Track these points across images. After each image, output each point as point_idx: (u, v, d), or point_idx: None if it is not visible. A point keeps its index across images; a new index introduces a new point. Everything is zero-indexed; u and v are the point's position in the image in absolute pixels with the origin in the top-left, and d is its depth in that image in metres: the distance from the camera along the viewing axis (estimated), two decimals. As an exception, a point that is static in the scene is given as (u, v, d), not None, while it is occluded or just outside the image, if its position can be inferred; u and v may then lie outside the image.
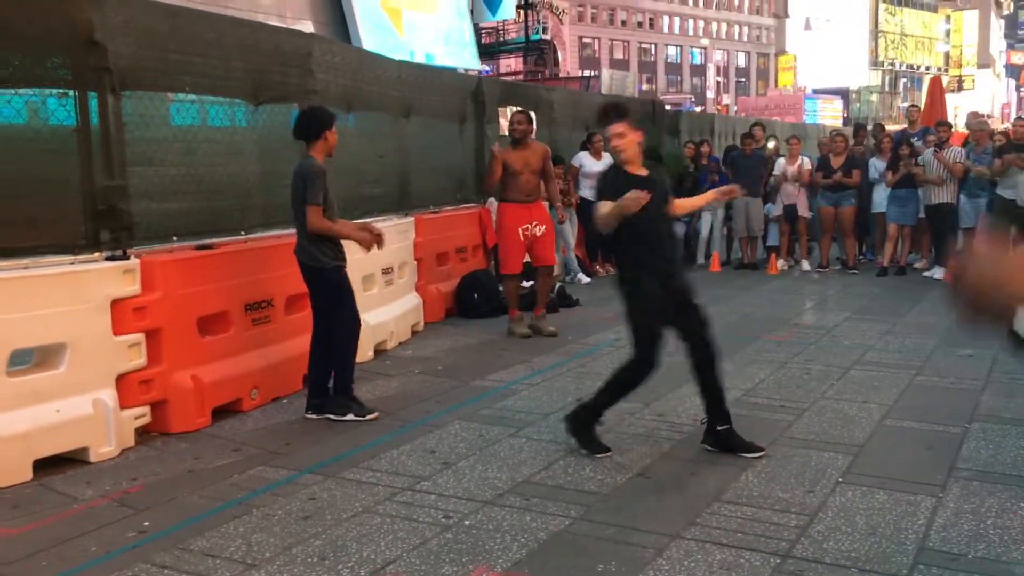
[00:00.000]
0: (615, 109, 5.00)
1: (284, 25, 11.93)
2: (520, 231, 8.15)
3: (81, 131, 5.25)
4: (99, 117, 5.29)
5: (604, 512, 4.20)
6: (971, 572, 3.55)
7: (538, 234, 8.23)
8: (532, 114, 8.95)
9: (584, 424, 5.04)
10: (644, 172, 4.97)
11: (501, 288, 9.52)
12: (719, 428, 4.98)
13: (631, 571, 3.58)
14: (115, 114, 5.35)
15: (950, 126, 12.38)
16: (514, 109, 11.28)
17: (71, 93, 5.22)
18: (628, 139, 4.89)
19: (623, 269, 5.03)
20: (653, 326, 4.85)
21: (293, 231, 6.46)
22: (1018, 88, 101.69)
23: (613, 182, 4.89)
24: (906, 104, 53.75)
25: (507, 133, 8.59)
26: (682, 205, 5.41)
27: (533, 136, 8.55)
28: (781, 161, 12.49)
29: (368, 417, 5.67)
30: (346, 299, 5.72)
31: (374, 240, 5.73)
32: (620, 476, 4.66)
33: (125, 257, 5.32)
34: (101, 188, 5.29)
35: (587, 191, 11.68)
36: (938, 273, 11.34)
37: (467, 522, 4.09)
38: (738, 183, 10.66)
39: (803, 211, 12.36)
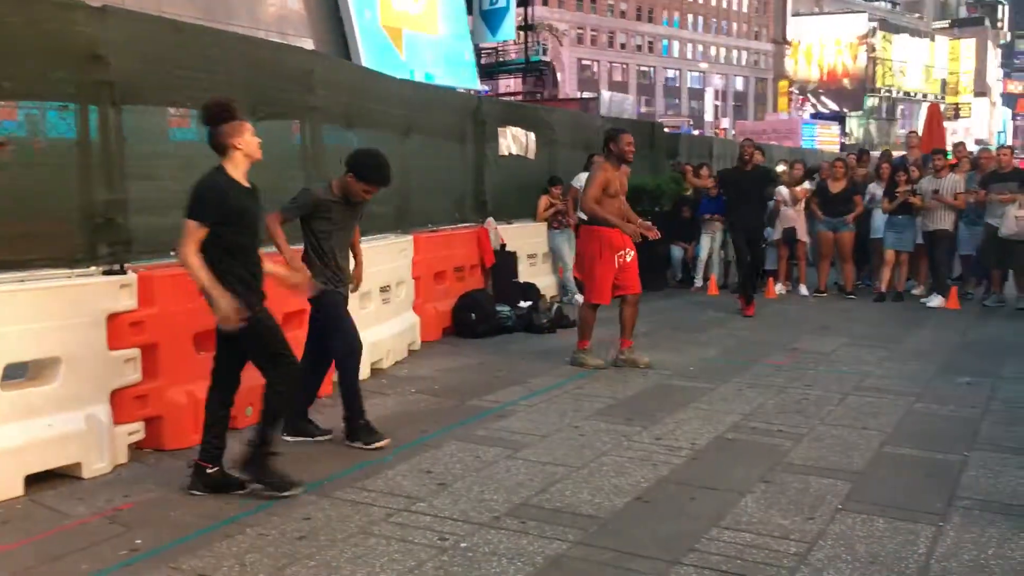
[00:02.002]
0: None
1: (285, 42, 11.95)
2: (616, 258, 7.65)
3: (81, 144, 5.24)
4: (99, 131, 5.28)
5: (602, 536, 4.16)
6: (973, 603, 3.51)
7: (628, 260, 7.77)
8: None
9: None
10: None
11: (505, 309, 9.47)
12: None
13: (629, 597, 3.54)
14: (115, 128, 5.33)
15: (946, 154, 12.40)
16: (514, 129, 11.35)
17: (71, 106, 5.21)
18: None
19: None
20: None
21: (291, 248, 6.43)
22: (1014, 116, 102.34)
23: None
24: (904, 131, 54.06)
25: (607, 151, 7.71)
26: None
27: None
28: (781, 188, 12.50)
29: (377, 445, 5.47)
30: (339, 324, 5.59)
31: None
32: (618, 500, 4.62)
33: (122, 271, 5.29)
34: (100, 202, 5.27)
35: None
36: (935, 300, 11.33)
37: (463, 544, 4.04)
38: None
39: (802, 235, 12.37)
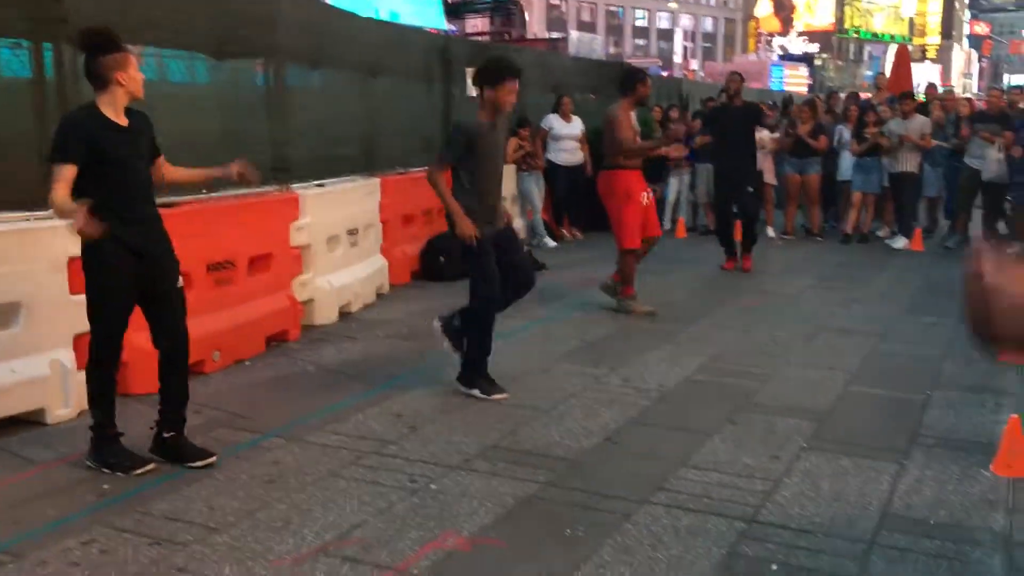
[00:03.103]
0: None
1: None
2: (641, 202, 7.51)
3: (36, 83, 5.08)
4: (55, 69, 5.12)
5: (572, 477, 4.19)
6: (934, 537, 3.59)
7: (649, 202, 7.69)
8: None
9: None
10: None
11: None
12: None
13: (599, 535, 3.58)
14: (71, 66, 5.17)
15: (913, 96, 12.42)
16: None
17: (25, 44, 5.04)
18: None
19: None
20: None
21: (256, 191, 6.32)
22: (980, 59, 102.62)
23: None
24: (871, 73, 54.01)
25: (621, 91, 7.52)
26: None
27: None
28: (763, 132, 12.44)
29: (494, 397, 5.30)
30: (478, 271, 5.27)
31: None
32: (588, 441, 4.65)
33: (82, 215, 5.17)
34: (56, 142, 5.12)
35: (555, 154, 11.60)
36: (900, 242, 11.44)
37: (434, 486, 4.05)
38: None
39: (769, 178, 12.38)
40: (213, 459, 4.29)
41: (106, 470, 4.17)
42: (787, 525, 3.69)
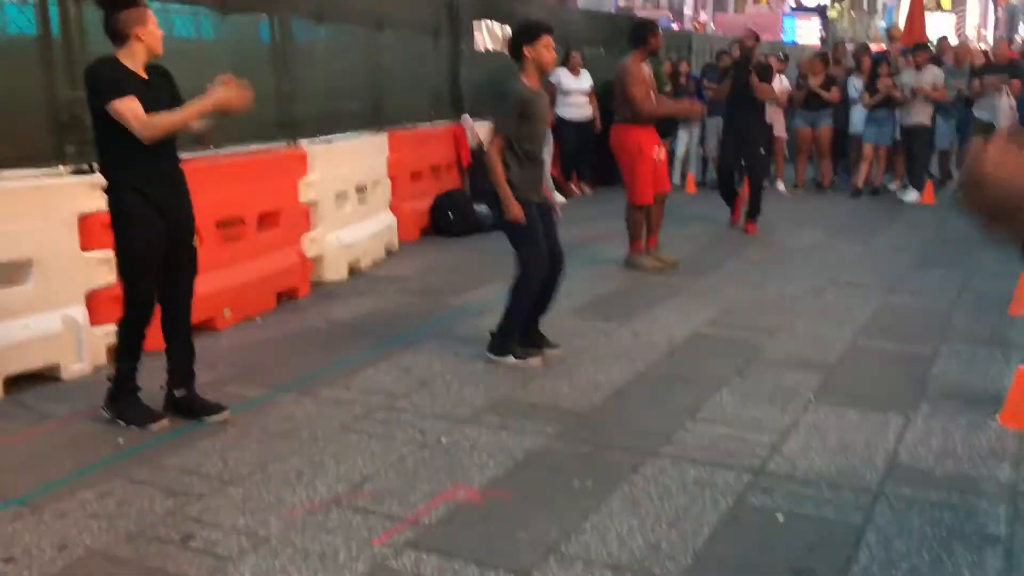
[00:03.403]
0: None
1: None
2: (652, 157, 7.51)
3: (42, 40, 5.06)
4: (60, 25, 5.10)
5: (580, 430, 4.23)
6: (939, 488, 3.61)
7: (661, 158, 7.69)
8: None
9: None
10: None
11: (482, 208, 9.33)
12: None
13: (606, 487, 3.62)
14: (76, 22, 5.15)
15: (927, 47, 12.26)
16: (489, 22, 11.09)
17: (31, 0, 5.01)
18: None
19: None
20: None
21: (264, 146, 6.31)
22: (996, 8, 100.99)
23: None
24: (884, 24, 53.16)
25: (632, 44, 7.46)
26: None
27: None
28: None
29: (530, 362, 5.16)
30: (527, 240, 5.14)
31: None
32: (596, 395, 4.68)
33: (92, 171, 5.18)
34: (64, 100, 5.12)
35: (564, 109, 11.52)
36: (911, 195, 11.37)
37: (444, 440, 4.10)
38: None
39: (779, 132, 12.29)
40: (227, 413, 4.35)
41: (121, 422, 4.23)
42: (793, 476, 3.72)
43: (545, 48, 5.13)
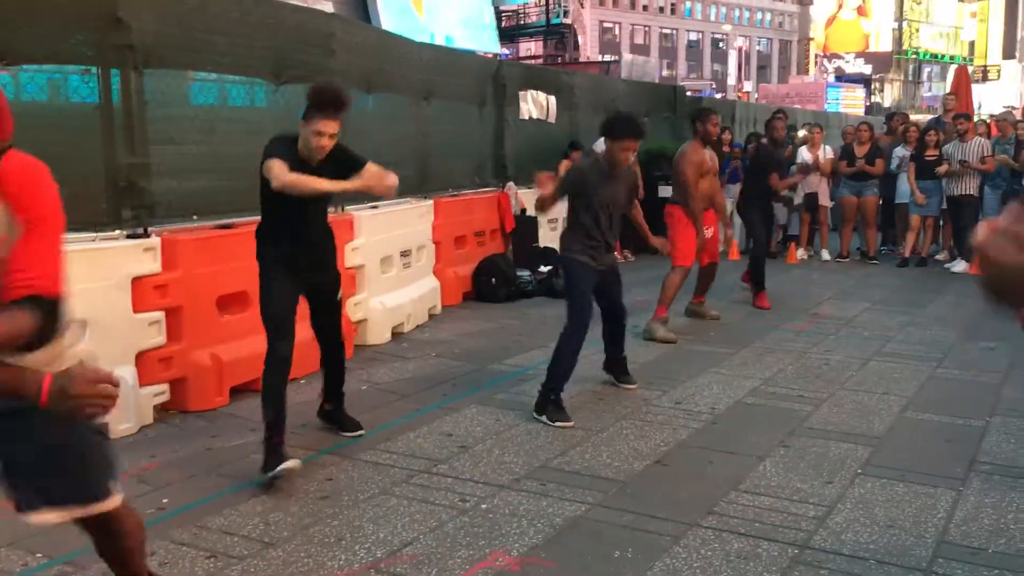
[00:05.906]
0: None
1: (305, 5, 11.89)
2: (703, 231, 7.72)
3: (103, 108, 5.26)
4: (121, 95, 5.29)
5: (621, 499, 4.19)
6: (991, 567, 3.52)
7: (708, 236, 7.83)
8: None
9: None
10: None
11: (525, 274, 9.46)
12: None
13: (647, 558, 3.57)
14: (137, 92, 5.34)
15: (969, 117, 12.21)
16: (535, 92, 11.27)
17: (94, 70, 5.22)
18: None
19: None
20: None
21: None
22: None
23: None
24: (930, 94, 53.09)
25: (694, 128, 7.76)
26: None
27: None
28: (803, 150, 12.38)
29: (559, 424, 5.24)
30: (573, 293, 5.60)
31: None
32: (638, 463, 4.64)
33: (146, 235, 5.33)
34: (123, 166, 5.30)
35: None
36: (959, 266, 11.24)
37: (484, 506, 4.08)
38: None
39: (824, 200, 12.27)
40: (362, 432, 5.03)
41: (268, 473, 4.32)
42: (840, 551, 3.65)
43: (623, 151, 5.60)
